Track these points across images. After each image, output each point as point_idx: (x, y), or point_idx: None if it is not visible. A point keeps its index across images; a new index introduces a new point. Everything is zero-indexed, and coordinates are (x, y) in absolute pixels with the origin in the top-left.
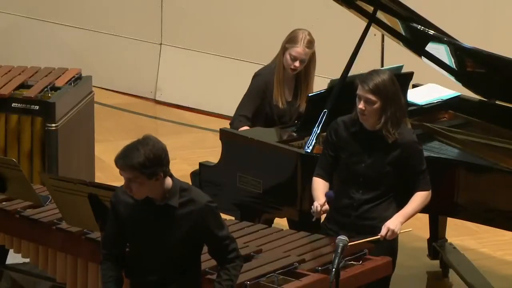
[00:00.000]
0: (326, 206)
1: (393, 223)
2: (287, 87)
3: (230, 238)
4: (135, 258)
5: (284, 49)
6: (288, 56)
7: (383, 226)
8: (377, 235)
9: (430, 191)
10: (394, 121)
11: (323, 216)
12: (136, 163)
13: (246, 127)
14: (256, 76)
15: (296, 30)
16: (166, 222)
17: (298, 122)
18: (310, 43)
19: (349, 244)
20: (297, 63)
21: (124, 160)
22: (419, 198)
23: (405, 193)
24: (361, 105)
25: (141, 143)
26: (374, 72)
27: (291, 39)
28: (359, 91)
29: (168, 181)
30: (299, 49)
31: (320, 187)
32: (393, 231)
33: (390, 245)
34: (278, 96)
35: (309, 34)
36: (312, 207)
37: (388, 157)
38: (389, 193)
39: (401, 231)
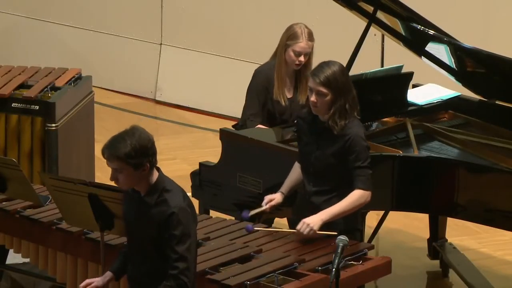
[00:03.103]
0: (272, 203)
1: (311, 219)
2: (288, 84)
3: (180, 256)
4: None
5: (285, 46)
6: (291, 53)
7: (301, 221)
8: (293, 229)
9: (366, 192)
10: (343, 113)
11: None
12: (122, 153)
13: (260, 126)
14: (257, 73)
15: (293, 25)
16: (142, 218)
17: None
18: (311, 35)
19: (255, 228)
20: (302, 58)
21: (110, 150)
22: (351, 197)
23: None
24: (313, 98)
25: (128, 133)
26: (324, 64)
27: (292, 36)
28: (310, 84)
29: (154, 175)
30: (302, 44)
31: (291, 174)
32: (308, 225)
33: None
34: (279, 93)
35: (306, 26)
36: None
37: (332, 148)
38: (339, 188)
39: (325, 233)
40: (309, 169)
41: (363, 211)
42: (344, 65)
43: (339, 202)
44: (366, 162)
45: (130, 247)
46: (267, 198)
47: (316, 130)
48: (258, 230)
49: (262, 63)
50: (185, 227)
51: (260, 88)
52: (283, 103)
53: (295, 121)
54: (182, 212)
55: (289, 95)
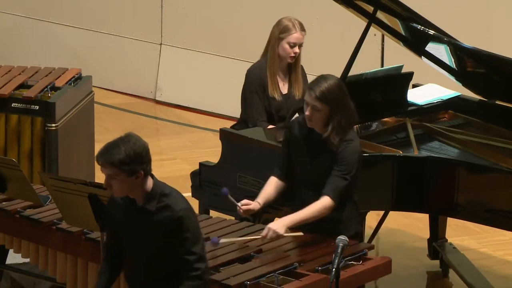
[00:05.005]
0: (248, 207)
1: (276, 225)
2: (282, 79)
3: (199, 256)
4: (126, 261)
5: (279, 40)
6: (286, 46)
7: (266, 227)
8: (259, 236)
9: (332, 203)
10: (339, 130)
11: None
12: (116, 159)
13: (271, 126)
14: (250, 73)
15: (282, 19)
16: (143, 226)
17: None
18: (302, 26)
19: (220, 241)
20: (296, 49)
21: (104, 156)
22: (317, 205)
23: (358, 194)
24: (308, 112)
25: (122, 140)
26: (321, 78)
27: (284, 28)
28: (306, 98)
29: (149, 182)
30: (296, 34)
31: (267, 187)
32: (274, 231)
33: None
34: (273, 88)
35: (295, 18)
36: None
37: (327, 161)
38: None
39: (290, 234)
40: (306, 179)
41: (362, 211)
42: (344, 65)
43: (304, 209)
44: (347, 175)
45: (128, 257)
46: (244, 201)
47: (312, 142)
48: (222, 243)
49: None
50: (195, 227)
51: (257, 87)
52: (278, 98)
53: (285, 134)
54: (189, 214)
55: (284, 91)
